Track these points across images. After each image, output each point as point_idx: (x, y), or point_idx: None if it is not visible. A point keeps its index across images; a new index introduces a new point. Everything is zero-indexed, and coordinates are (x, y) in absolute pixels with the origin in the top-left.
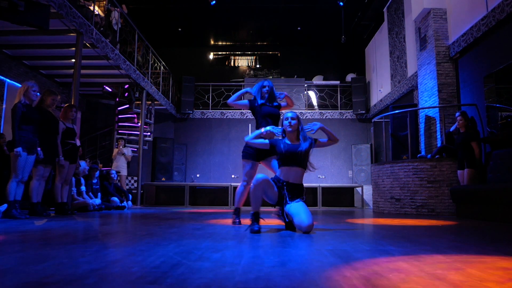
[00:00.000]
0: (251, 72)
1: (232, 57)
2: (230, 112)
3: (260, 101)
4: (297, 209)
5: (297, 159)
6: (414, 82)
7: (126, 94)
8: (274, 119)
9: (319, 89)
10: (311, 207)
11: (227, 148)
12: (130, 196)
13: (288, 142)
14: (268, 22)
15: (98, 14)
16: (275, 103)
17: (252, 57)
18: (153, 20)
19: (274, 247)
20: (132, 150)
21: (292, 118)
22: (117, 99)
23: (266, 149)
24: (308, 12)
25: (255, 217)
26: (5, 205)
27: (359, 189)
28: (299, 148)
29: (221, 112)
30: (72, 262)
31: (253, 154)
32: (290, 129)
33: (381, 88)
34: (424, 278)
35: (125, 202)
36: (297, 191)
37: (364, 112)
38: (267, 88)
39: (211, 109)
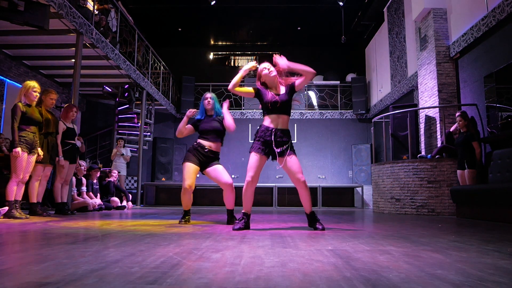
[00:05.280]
0: (251, 72)
1: (232, 57)
2: (230, 112)
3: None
4: (296, 166)
5: (283, 108)
6: (414, 82)
7: (126, 94)
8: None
9: (319, 89)
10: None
11: (227, 148)
12: (130, 196)
13: (270, 92)
14: (268, 22)
15: (98, 13)
16: (215, 116)
17: (252, 57)
18: (153, 20)
19: (274, 247)
20: (131, 150)
21: (269, 69)
22: (117, 99)
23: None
24: (308, 12)
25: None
26: (6, 208)
27: (359, 189)
28: (279, 98)
29: None
30: (72, 262)
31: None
32: (267, 78)
33: (381, 88)
34: (424, 278)
35: (125, 202)
36: (286, 136)
37: (364, 112)
38: (208, 100)
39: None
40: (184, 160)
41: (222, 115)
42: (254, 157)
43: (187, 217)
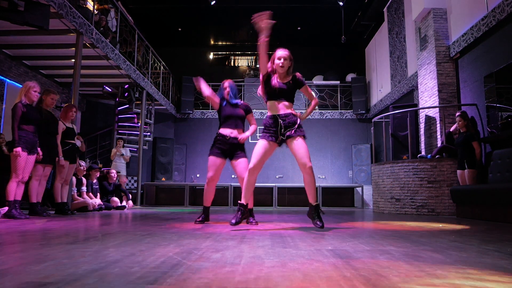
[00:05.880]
0: (251, 72)
1: (232, 57)
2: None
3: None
4: (303, 151)
5: (284, 94)
6: (414, 82)
7: (126, 94)
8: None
9: (319, 89)
10: None
11: None
12: (130, 196)
13: (276, 78)
14: None
15: (98, 13)
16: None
17: (252, 57)
18: (153, 20)
19: (274, 247)
20: (131, 150)
21: (285, 59)
22: (117, 99)
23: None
24: (308, 12)
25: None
26: (6, 208)
27: (359, 189)
28: (282, 85)
29: None
30: (72, 262)
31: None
32: (281, 70)
33: (381, 88)
34: (424, 278)
35: (125, 202)
36: (290, 118)
37: (364, 112)
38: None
39: (211, 109)
40: (209, 154)
41: (242, 103)
42: (260, 144)
43: (202, 217)
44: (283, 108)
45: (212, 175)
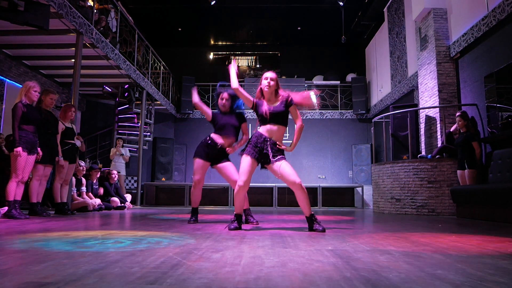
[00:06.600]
0: (251, 72)
1: (232, 57)
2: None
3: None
4: (288, 170)
5: (277, 119)
6: (415, 82)
7: (126, 94)
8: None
9: (319, 89)
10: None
11: None
12: (130, 197)
13: (265, 104)
14: (268, 22)
15: (97, 12)
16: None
17: (252, 57)
18: (153, 20)
19: (274, 247)
20: (131, 150)
21: (271, 79)
22: (117, 99)
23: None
24: (308, 12)
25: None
26: (6, 208)
27: (359, 189)
28: (273, 109)
29: None
30: (72, 262)
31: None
32: (266, 89)
33: (381, 88)
34: (424, 278)
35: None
36: (278, 148)
37: (364, 112)
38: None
39: (211, 109)
40: (195, 155)
41: (242, 109)
42: (247, 161)
43: (194, 218)
44: (277, 135)
45: (199, 178)
